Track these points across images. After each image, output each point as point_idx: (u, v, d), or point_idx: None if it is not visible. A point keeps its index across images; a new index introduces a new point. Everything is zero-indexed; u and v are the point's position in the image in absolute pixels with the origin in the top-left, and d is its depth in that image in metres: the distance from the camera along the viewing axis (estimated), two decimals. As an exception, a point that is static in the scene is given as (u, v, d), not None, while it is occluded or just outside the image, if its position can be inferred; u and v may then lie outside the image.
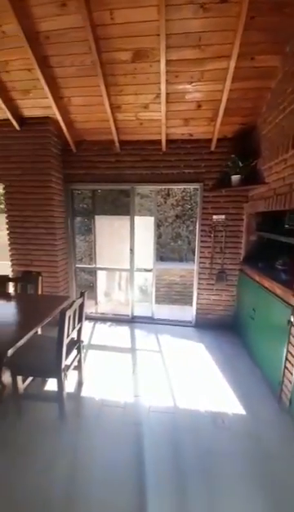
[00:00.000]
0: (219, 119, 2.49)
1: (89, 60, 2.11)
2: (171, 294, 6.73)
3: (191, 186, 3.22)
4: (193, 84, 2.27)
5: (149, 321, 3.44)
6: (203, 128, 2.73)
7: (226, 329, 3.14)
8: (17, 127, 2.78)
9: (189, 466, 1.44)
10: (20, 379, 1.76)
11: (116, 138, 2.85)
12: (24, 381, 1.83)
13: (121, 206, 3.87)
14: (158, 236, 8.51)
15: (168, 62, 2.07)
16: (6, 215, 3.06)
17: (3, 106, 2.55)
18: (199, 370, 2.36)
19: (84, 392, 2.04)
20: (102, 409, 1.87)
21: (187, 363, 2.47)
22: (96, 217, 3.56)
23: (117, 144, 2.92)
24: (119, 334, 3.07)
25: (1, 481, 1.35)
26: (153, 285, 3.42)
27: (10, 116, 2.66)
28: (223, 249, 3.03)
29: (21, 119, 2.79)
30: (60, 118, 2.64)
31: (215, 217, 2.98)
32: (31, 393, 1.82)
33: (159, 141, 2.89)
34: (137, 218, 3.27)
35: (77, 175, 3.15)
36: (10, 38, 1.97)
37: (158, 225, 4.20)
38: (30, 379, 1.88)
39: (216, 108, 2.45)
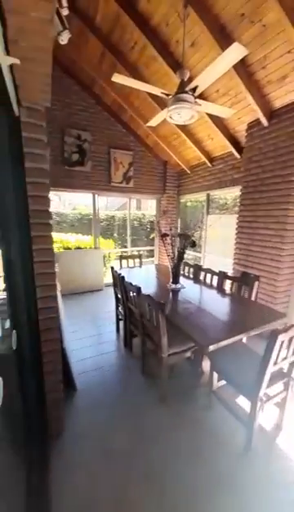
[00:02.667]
0: None
1: None
2: None
3: None
4: None
5: None
6: None
7: None
8: (265, 123, 2.67)
9: None
10: (216, 375, 1.80)
11: None
12: (218, 380, 1.84)
13: None
14: None
15: None
16: (237, 215, 3.21)
17: (256, 107, 2.56)
18: None
19: (279, 441, 1.58)
20: (303, 487, 1.31)
21: None
22: None
23: None
24: None
25: (174, 464, 1.48)
26: None
27: (260, 114, 2.62)
28: None
29: (270, 113, 2.63)
30: (321, 90, 2.08)
31: None
32: (222, 396, 1.78)
33: None
34: None
35: None
36: (269, 28, 1.88)
37: None
38: (224, 382, 1.84)
39: None
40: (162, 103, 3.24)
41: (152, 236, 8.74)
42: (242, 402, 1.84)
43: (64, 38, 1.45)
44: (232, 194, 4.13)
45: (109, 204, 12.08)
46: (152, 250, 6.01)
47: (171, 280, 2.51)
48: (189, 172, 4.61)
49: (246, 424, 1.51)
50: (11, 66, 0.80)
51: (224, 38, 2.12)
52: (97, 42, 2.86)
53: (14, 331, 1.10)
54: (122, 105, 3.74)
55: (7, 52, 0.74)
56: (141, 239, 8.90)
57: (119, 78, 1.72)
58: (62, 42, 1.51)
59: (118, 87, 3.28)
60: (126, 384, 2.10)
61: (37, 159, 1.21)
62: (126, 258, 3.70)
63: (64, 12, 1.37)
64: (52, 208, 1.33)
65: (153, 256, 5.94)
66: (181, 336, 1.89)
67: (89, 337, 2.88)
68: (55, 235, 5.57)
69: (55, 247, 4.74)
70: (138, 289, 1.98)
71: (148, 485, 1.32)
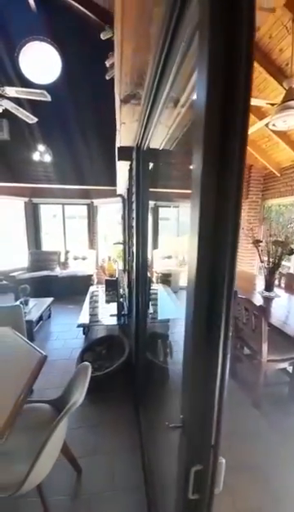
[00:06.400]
0: None
1: None
2: None
3: None
4: None
5: None
6: None
7: None
8: None
9: None
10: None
11: None
12: None
13: None
14: None
15: None
16: None
17: None
18: None
19: None
20: None
21: None
22: None
23: None
24: None
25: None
26: None
27: None
28: None
29: None
30: None
31: None
32: None
33: None
34: None
35: None
36: None
37: None
38: None
39: None
40: (255, 110, 3.23)
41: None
42: None
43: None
44: None
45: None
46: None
47: (263, 288, 2.47)
48: (278, 175, 4.32)
49: None
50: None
51: None
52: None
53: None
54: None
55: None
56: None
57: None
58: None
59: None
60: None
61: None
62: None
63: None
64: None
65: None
66: (280, 344, 1.87)
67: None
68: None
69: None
70: (234, 292, 2.07)
71: (244, 475, 1.40)
